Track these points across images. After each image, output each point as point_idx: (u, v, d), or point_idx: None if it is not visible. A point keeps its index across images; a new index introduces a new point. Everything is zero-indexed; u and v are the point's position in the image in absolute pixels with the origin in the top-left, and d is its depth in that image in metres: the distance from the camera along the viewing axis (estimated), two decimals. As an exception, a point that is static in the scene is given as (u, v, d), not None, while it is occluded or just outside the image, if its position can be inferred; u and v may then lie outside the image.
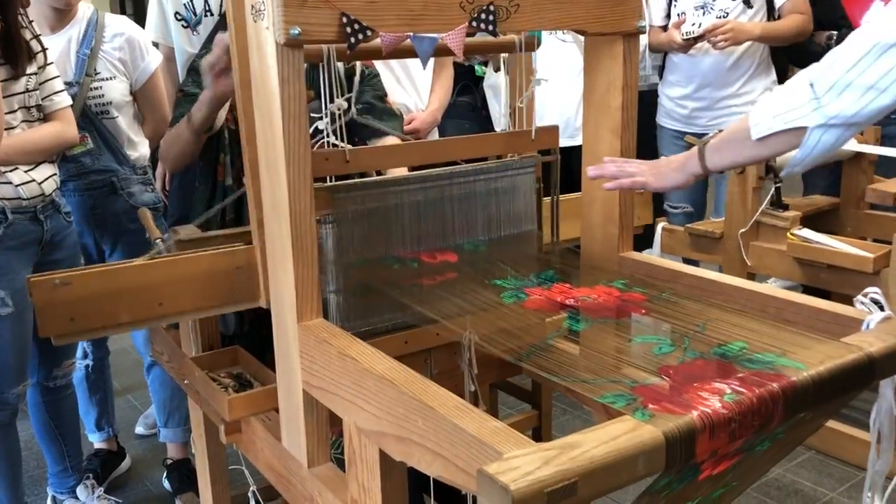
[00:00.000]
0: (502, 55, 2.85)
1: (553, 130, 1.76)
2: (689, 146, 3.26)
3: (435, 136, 2.77)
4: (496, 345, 1.17)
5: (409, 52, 1.30)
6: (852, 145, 2.76)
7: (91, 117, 2.27)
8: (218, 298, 1.51)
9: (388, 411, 1.08)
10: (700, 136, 3.08)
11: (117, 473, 2.58)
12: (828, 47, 3.13)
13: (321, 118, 1.41)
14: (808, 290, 2.62)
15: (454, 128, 3.33)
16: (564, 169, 1.80)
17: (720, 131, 1.39)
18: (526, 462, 0.83)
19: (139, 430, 2.91)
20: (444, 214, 1.55)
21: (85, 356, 2.48)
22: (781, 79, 3.27)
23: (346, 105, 1.55)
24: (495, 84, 3.37)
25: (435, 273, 1.45)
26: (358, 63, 1.97)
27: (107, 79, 2.30)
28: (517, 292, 1.36)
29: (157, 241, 1.85)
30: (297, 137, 1.24)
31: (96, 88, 2.28)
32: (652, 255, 1.69)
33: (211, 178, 1.89)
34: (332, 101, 1.45)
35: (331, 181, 1.53)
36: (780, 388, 1.02)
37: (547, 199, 1.77)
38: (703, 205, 3.29)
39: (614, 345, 1.17)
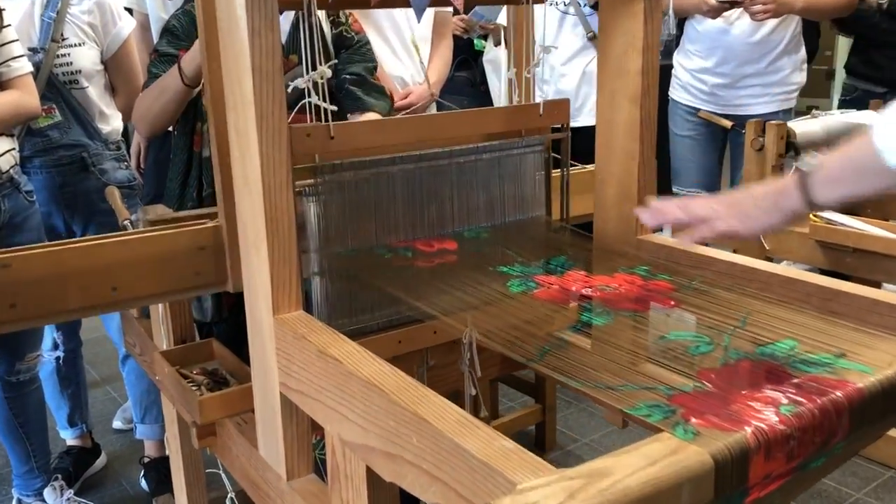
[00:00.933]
0: (502, 28, 2.69)
1: (563, 104, 1.58)
2: (704, 124, 3.06)
3: (433, 112, 2.59)
4: (503, 342, 0.99)
5: (402, 2, 1.12)
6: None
7: (58, 87, 2.09)
8: (180, 282, 1.36)
9: (376, 423, 0.92)
10: (719, 115, 2.88)
11: (92, 472, 2.41)
12: (879, 12, 2.90)
13: (303, 80, 1.22)
14: (823, 273, 2.45)
15: (452, 104, 3.16)
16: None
17: (823, 154, 1.08)
18: (545, 496, 0.66)
19: (116, 424, 2.73)
20: (442, 199, 1.37)
21: (55, 347, 2.30)
22: (811, 58, 3.04)
23: (329, 73, 1.36)
24: (495, 59, 3.19)
25: (432, 257, 1.28)
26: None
27: (75, 45, 2.11)
28: (526, 280, 1.18)
29: (126, 222, 1.70)
30: (271, 99, 1.06)
31: (64, 55, 2.09)
32: (657, 235, 1.52)
33: (187, 148, 1.72)
34: (313, 63, 1.27)
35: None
36: (844, 396, 0.86)
37: (556, 173, 1.58)
38: (718, 189, 3.11)
39: (642, 343, 1.00)
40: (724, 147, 3.10)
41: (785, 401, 0.85)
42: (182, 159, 1.72)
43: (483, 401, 1.69)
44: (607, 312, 1.08)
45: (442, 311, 1.07)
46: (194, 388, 1.47)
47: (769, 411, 0.82)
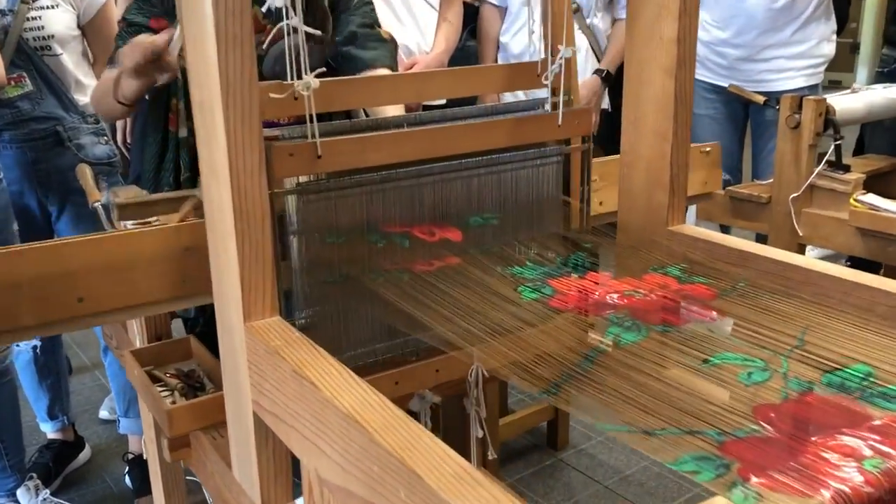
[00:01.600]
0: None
1: (585, 113, 1.35)
2: (724, 102, 2.83)
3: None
4: (511, 366, 0.82)
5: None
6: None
7: (29, 53, 1.92)
8: (163, 291, 1.16)
9: (357, 465, 0.75)
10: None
11: (74, 466, 2.28)
12: None
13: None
14: (853, 261, 2.29)
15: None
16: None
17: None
18: None
19: (103, 413, 2.59)
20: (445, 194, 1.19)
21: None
22: (841, 27, 2.81)
23: (321, 36, 1.18)
24: (508, 28, 2.98)
25: (431, 256, 1.10)
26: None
27: (47, 7, 1.93)
28: (540, 285, 1.01)
29: (96, 204, 1.54)
30: (239, 68, 0.89)
31: (35, 19, 1.92)
32: (693, 227, 1.34)
33: (161, 128, 1.55)
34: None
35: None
36: (942, 445, 0.68)
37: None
38: (740, 171, 2.91)
39: (682, 368, 0.83)
40: (745, 126, 2.91)
41: (868, 452, 0.67)
42: (156, 139, 1.56)
43: (490, 400, 1.52)
44: (637, 326, 0.91)
45: (445, 343, 0.89)
46: (166, 393, 1.32)
47: (850, 467, 0.65)
